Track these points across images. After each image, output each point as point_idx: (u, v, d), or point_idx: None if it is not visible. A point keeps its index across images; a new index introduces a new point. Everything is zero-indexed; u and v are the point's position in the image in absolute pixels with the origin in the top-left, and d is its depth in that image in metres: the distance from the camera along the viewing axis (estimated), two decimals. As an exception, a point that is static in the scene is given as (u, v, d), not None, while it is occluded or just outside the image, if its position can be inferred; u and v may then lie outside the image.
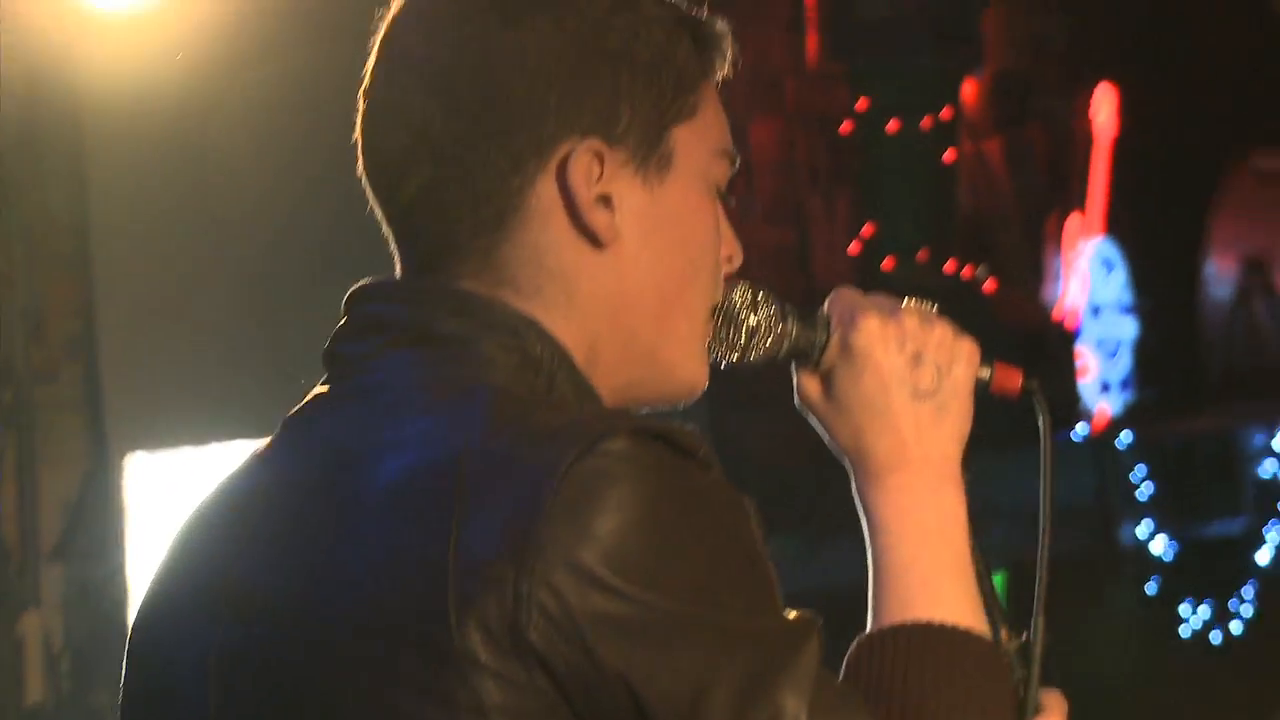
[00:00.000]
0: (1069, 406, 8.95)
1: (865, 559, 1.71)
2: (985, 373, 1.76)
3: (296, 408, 1.65)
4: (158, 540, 4.76)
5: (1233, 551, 8.51)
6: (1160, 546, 8.29)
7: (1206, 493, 8.63)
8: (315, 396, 1.64)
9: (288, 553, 1.54)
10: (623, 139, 1.62)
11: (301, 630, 1.51)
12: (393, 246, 1.67)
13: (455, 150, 1.59)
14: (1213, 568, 8.49)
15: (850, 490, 1.75)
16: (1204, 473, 8.67)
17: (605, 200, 1.61)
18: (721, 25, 1.69)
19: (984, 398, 1.76)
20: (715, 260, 1.69)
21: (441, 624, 1.43)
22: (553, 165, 1.60)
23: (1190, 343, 10.15)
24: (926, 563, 1.68)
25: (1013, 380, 1.78)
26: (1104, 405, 9.81)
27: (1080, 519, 6.53)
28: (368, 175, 1.66)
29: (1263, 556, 8.48)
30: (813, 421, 1.76)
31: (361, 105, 1.66)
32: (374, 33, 1.67)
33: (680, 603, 1.44)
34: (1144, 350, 9.90)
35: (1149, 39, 10.87)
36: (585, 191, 1.60)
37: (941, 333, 1.73)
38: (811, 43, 9.35)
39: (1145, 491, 8.26)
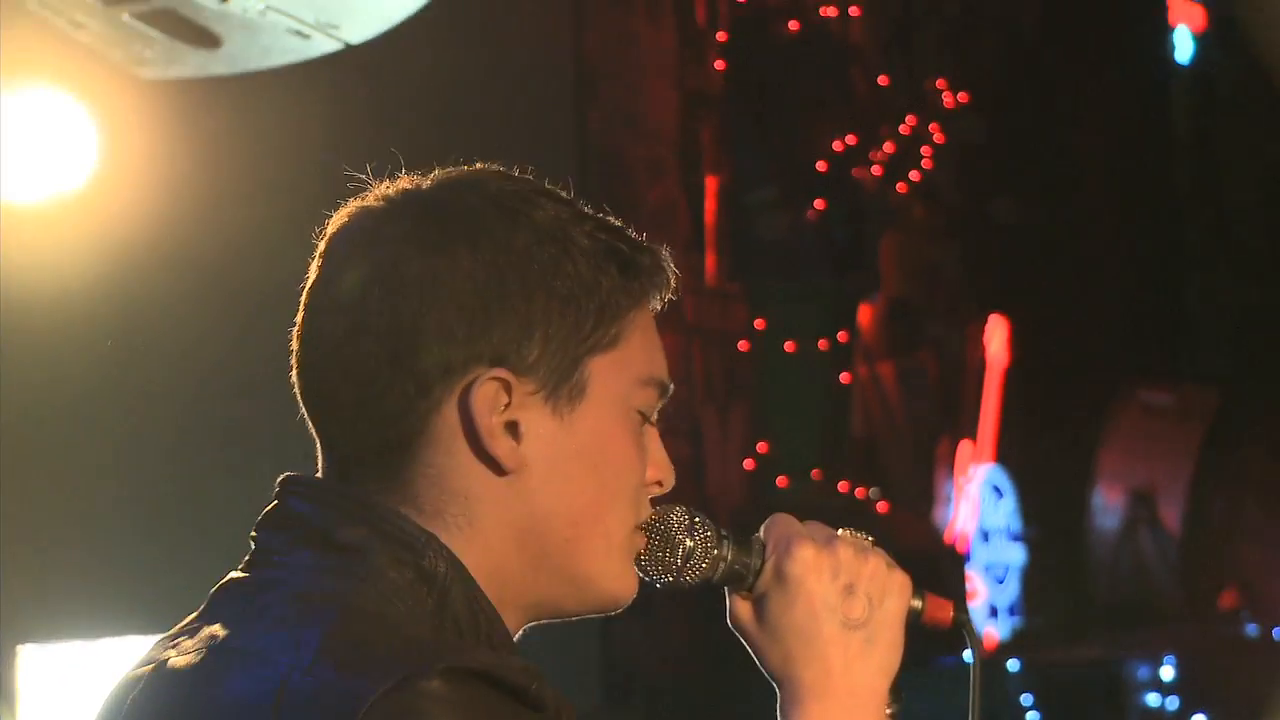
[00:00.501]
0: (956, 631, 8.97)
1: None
2: (918, 603, 1.79)
3: (215, 588, 1.67)
4: (46, 735, 4.69)
5: (1118, 781, 8.54)
6: (1047, 774, 8.31)
7: (1092, 722, 8.66)
8: (228, 580, 1.66)
9: None
10: (533, 369, 1.63)
11: None
12: (317, 448, 1.70)
13: (364, 372, 1.62)
14: (1098, 797, 8.51)
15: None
16: (1090, 702, 8.70)
17: (512, 428, 1.63)
18: (655, 257, 1.70)
19: (915, 628, 1.78)
20: (634, 485, 1.70)
21: None
22: (457, 391, 1.62)
23: (1077, 572, 10.24)
24: None
25: (944, 611, 1.81)
26: (991, 630, 9.86)
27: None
28: (300, 393, 1.69)
29: (1147, 787, 8.52)
30: (744, 643, 1.78)
31: (299, 318, 1.69)
32: (316, 238, 1.71)
33: None
34: (1031, 577, 9.98)
35: (1041, 273, 11.09)
36: (487, 420, 1.62)
37: (875, 564, 1.76)
38: (710, 261, 9.47)
39: (1033, 718, 8.29)
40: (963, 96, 10.79)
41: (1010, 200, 11.18)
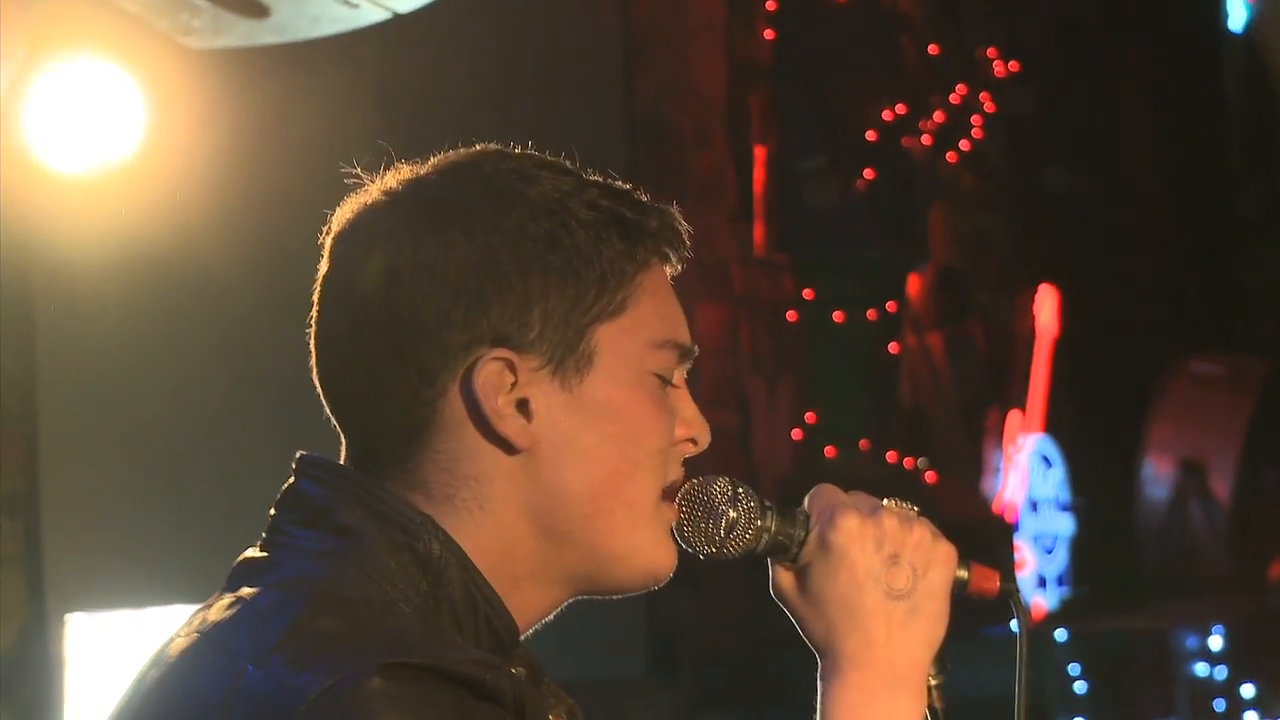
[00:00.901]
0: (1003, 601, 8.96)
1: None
2: (963, 574, 1.77)
3: (234, 563, 1.68)
4: (95, 701, 4.72)
5: (1166, 750, 8.52)
6: (1095, 743, 8.30)
7: (1140, 692, 8.63)
8: (243, 559, 1.68)
9: None
10: (536, 344, 1.63)
11: None
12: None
13: (370, 366, 1.63)
14: (1145, 766, 8.50)
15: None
16: (1138, 672, 8.68)
17: (522, 406, 1.63)
18: (663, 217, 1.69)
19: (960, 599, 1.77)
20: (655, 449, 1.69)
21: None
22: (460, 375, 1.62)
23: (1126, 542, 10.21)
24: None
25: (990, 582, 1.79)
26: (1040, 600, 9.84)
27: (1012, 713, 6.55)
28: (318, 384, 1.69)
29: (1195, 757, 8.50)
30: (787, 613, 1.78)
31: (312, 314, 1.70)
32: (330, 209, 1.71)
33: None
34: (1080, 547, 9.95)
35: (1090, 242, 11.04)
36: (493, 401, 1.62)
37: (920, 534, 1.74)
38: (758, 231, 9.46)
39: (1080, 687, 8.26)
40: (1013, 65, 10.74)
41: (1060, 170, 11.14)
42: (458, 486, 1.64)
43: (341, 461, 1.68)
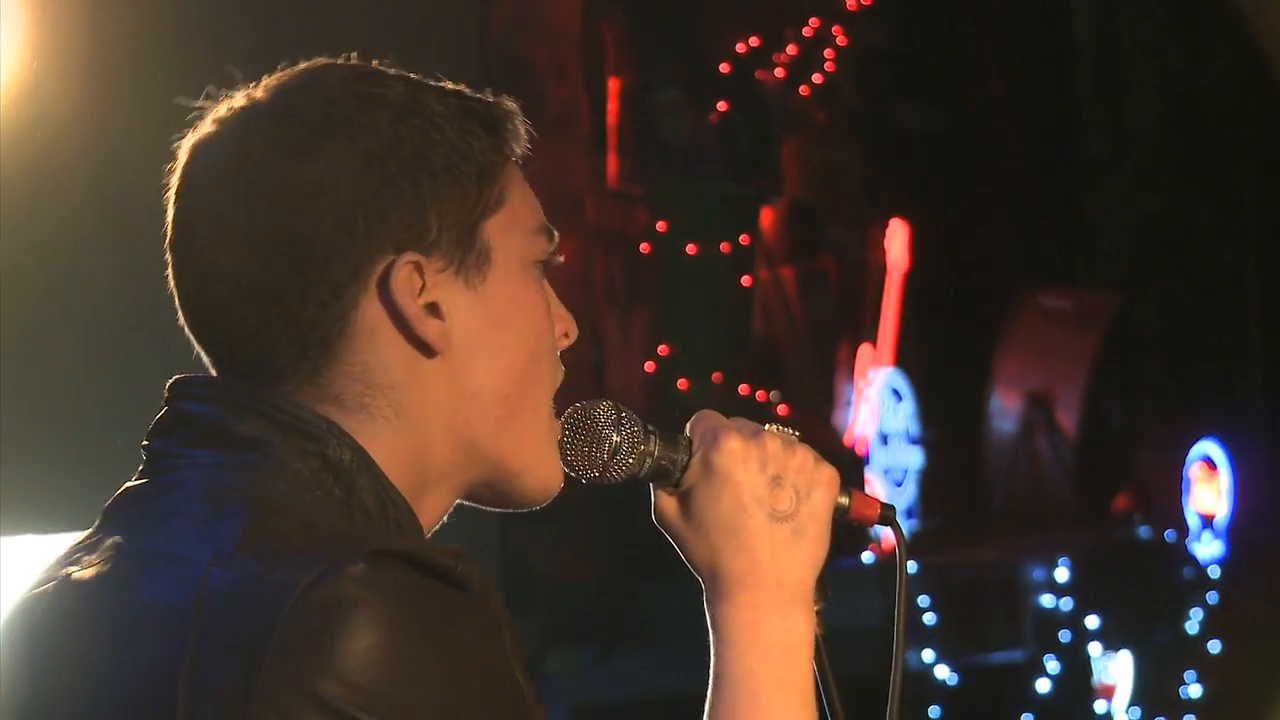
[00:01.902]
0: (857, 533, 9.06)
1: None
2: (845, 500, 1.78)
3: (110, 500, 1.64)
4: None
5: (1013, 680, 8.64)
6: (944, 673, 8.39)
7: (989, 623, 8.76)
8: (125, 490, 1.63)
9: (49, 669, 1.55)
10: (436, 245, 1.61)
11: None
12: (207, 360, 1.67)
13: (274, 292, 1.59)
14: (993, 695, 8.60)
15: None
16: (986, 603, 8.80)
17: (434, 309, 1.62)
18: (509, 104, 1.68)
19: (841, 524, 1.78)
20: (551, 344, 1.69)
21: None
22: (373, 285, 1.60)
23: (975, 475, 10.33)
24: (763, 676, 1.70)
25: (871, 509, 1.81)
26: (889, 533, 9.92)
27: (866, 642, 6.60)
28: (188, 325, 1.65)
29: (1042, 686, 8.61)
30: (669, 539, 1.78)
31: (169, 259, 1.65)
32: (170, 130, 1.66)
33: None
34: (929, 480, 10.06)
35: (941, 178, 11.13)
36: (411, 305, 1.60)
37: (802, 458, 1.75)
38: (612, 164, 9.45)
39: (929, 619, 8.37)
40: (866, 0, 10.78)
41: (912, 105, 11.20)
42: (373, 395, 1.62)
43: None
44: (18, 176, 4.77)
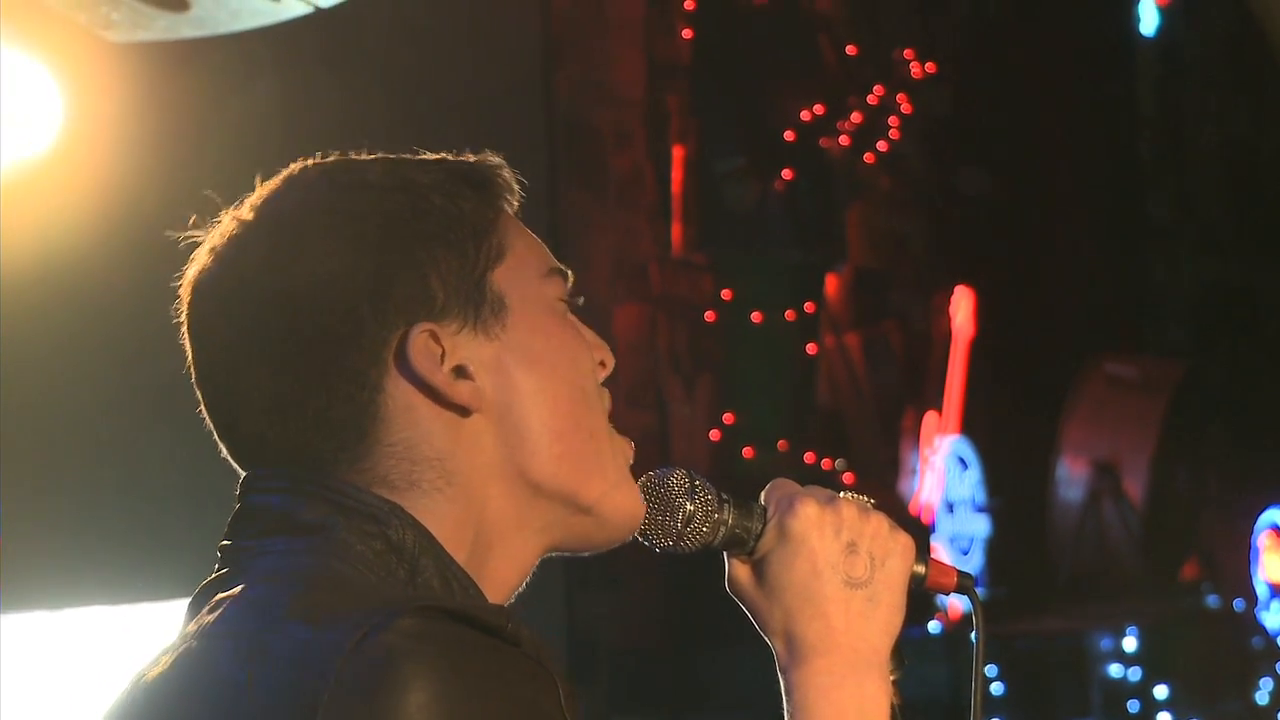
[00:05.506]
0: (924, 602, 9.02)
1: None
2: (920, 568, 1.77)
3: (190, 596, 1.65)
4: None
5: (1083, 751, 8.58)
6: (1012, 744, 8.34)
7: (1056, 693, 8.69)
8: (202, 585, 1.63)
9: None
10: (446, 309, 1.61)
11: None
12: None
13: (299, 400, 1.60)
14: (1062, 766, 8.55)
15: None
16: (1053, 673, 8.73)
17: (460, 371, 1.61)
18: (493, 159, 1.68)
19: (917, 593, 1.77)
20: (591, 372, 1.68)
21: None
22: (393, 364, 1.60)
23: (1041, 543, 10.27)
24: None
25: (948, 577, 1.79)
26: (956, 602, 9.88)
27: (934, 712, 6.58)
28: (232, 456, 1.66)
29: (1112, 756, 8.55)
30: (742, 607, 1.76)
31: (199, 394, 1.66)
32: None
33: None
34: (996, 549, 10.00)
35: (1006, 245, 11.11)
36: (436, 373, 1.60)
37: (877, 524, 1.74)
38: (677, 231, 9.46)
39: (997, 689, 8.31)
40: (930, 67, 10.79)
41: (976, 172, 11.20)
42: (421, 470, 1.61)
43: None
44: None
